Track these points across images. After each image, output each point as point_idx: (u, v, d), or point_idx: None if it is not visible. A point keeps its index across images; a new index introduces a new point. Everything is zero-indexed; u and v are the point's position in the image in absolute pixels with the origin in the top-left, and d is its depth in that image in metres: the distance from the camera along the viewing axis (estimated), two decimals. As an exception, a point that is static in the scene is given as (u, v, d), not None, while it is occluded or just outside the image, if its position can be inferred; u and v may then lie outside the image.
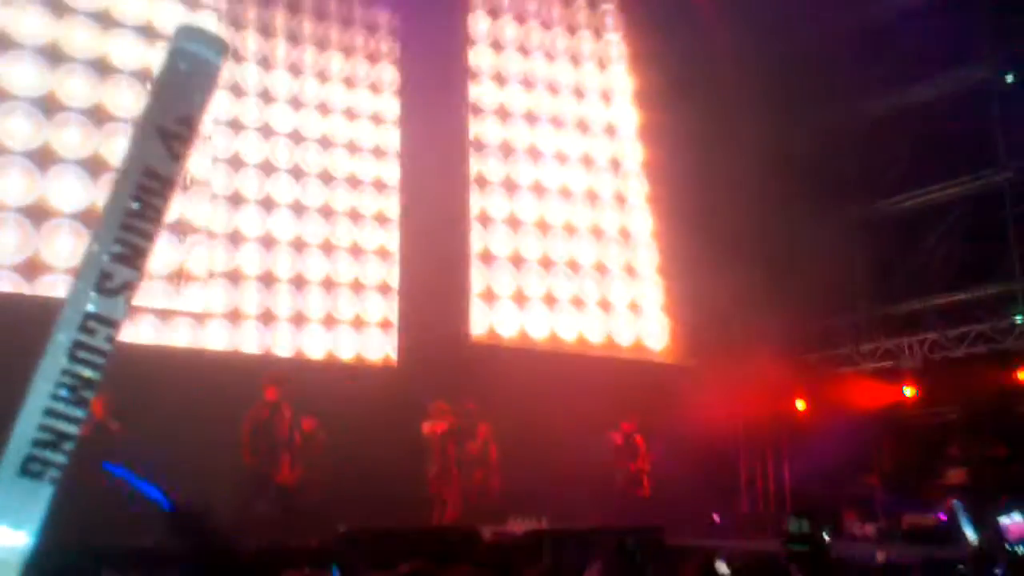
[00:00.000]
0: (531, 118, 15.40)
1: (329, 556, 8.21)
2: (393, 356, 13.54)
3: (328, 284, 13.28)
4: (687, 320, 15.20)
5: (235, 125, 12.96)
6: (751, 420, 15.76)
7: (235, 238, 12.74)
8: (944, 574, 7.68)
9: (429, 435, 11.61)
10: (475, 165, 14.70)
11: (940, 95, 15.02)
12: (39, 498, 1.78)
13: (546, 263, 14.89)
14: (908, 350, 15.10)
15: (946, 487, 13.83)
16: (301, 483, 11.05)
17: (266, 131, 13.21)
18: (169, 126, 1.96)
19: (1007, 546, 8.07)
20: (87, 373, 1.85)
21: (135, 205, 1.92)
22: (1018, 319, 14.85)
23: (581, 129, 15.85)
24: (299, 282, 13.06)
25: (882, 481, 14.72)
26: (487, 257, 14.51)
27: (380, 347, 13.51)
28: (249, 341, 12.58)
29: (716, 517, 14.36)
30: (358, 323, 13.43)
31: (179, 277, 12.03)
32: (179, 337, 12.16)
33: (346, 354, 13.25)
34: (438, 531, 9.84)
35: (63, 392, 1.83)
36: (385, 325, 13.61)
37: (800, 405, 15.72)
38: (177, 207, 11.76)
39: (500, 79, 15.35)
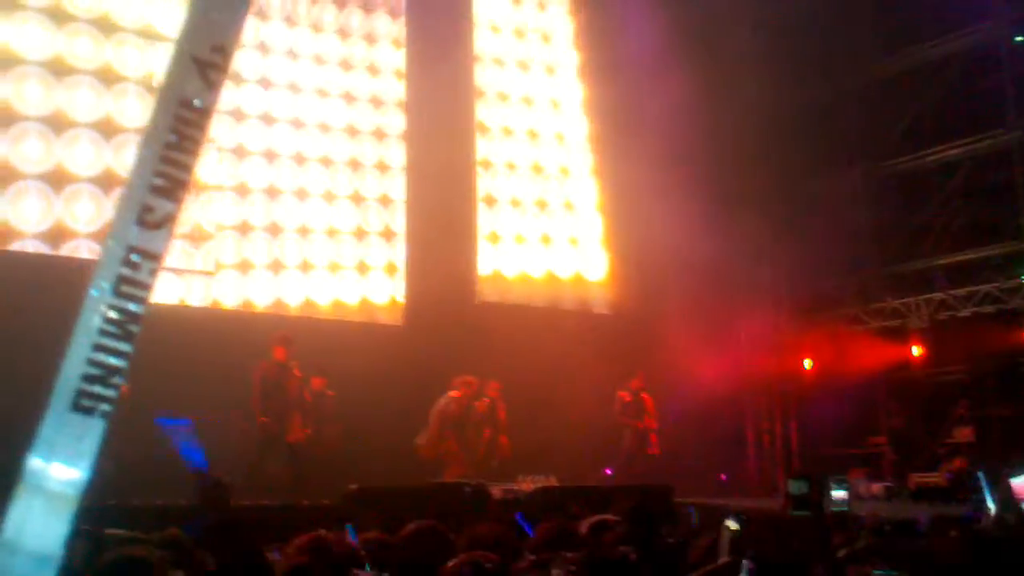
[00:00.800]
0: (524, 66, 15.30)
1: (340, 514, 8.23)
2: (400, 299, 13.54)
3: (331, 233, 13.27)
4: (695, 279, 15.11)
5: (235, 79, 12.86)
6: (758, 380, 15.77)
7: (242, 191, 12.69)
8: (955, 531, 7.67)
9: (444, 405, 11.67)
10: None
11: (949, 55, 14.90)
12: (92, 433, 1.79)
13: (542, 205, 14.90)
14: (915, 309, 15.08)
15: (953, 446, 13.89)
16: (311, 442, 11.10)
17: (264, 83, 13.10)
18: (204, 55, 1.93)
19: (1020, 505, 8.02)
20: (132, 307, 1.85)
21: (173, 137, 1.90)
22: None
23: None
24: (304, 232, 13.06)
25: (890, 440, 14.76)
26: (491, 201, 14.52)
27: (386, 293, 13.53)
28: (259, 294, 12.55)
29: (723, 477, 14.41)
30: (362, 268, 13.43)
31: (197, 236, 12.07)
32: (189, 295, 12.14)
33: (353, 301, 13.25)
34: (447, 489, 9.85)
35: (110, 326, 1.83)
36: (390, 269, 13.64)
37: (807, 364, 15.74)
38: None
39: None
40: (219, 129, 12.47)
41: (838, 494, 7.47)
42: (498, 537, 5.25)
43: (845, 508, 7.44)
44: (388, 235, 13.67)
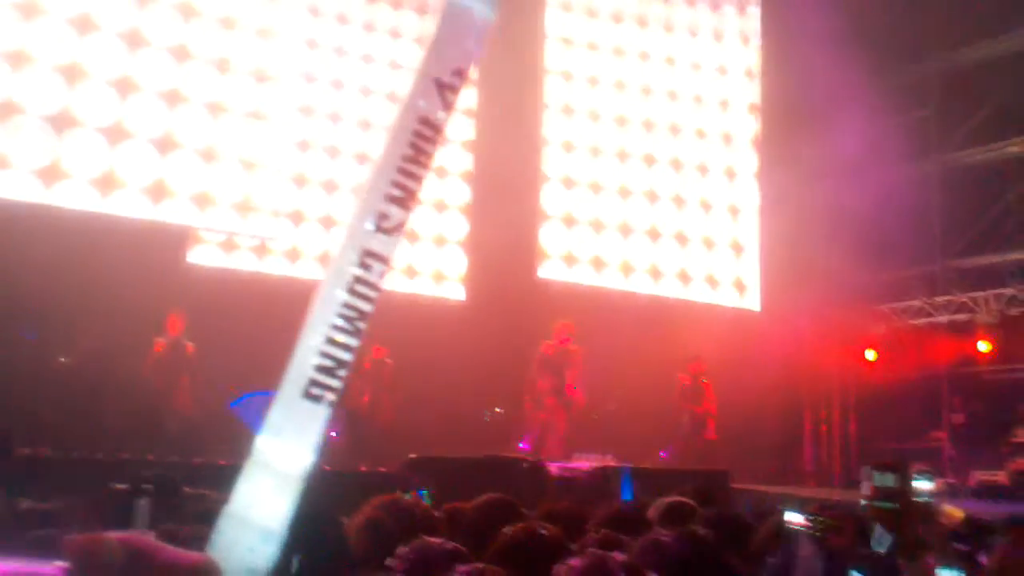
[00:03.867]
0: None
1: (397, 482, 8.25)
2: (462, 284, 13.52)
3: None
4: (767, 265, 14.90)
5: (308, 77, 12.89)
6: (819, 369, 15.54)
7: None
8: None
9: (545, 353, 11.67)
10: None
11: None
12: (318, 419, 1.95)
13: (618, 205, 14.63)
14: (984, 304, 14.75)
15: (1017, 445, 13.59)
16: (370, 409, 11.16)
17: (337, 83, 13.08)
18: (445, 78, 2.09)
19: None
20: (363, 306, 2.02)
21: (410, 151, 2.05)
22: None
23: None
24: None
25: (950, 436, 14.49)
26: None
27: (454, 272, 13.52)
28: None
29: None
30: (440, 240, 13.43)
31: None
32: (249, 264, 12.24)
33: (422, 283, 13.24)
34: (505, 462, 9.84)
35: (342, 323, 2.00)
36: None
37: (871, 356, 15.47)
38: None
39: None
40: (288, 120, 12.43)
41: (922, 486, 7.22)
42: (567, 513, 5.20)
43: (929, 500, 7.23)
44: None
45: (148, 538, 1.62)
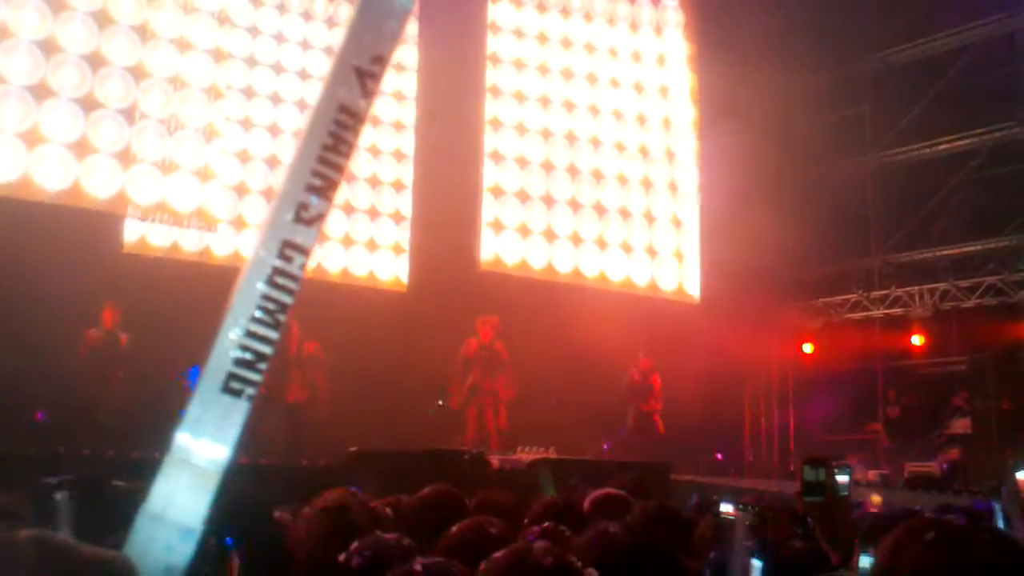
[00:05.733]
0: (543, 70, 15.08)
1: (339, 476, 8.17)
2: (404, 279, 13.39)
3: (347, 209, 13.04)
4: (707, 258, 15.04)
5: (251, 61, 12.70)
6: (756, 362, 15.73)
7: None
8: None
9: (465, 352, 11.60)
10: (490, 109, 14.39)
11: (962, 45, 14.81)
12: (237, 414, 1.92)
13: (549, 200, 14.65)
14: (919, 299, 15.03)
15: (949, 437, 13.89)
16: (308, 403, 11.03)
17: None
18: (364, 65, 2.08)
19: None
20: (283, 298, 2.00)
21: (329, 140, 2.04)
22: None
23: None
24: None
25: (886, 428, 14.76)
26: (499, 192, 14.30)
27: (392, 270, 13.38)
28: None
29: (719, 456, 14.40)
30: (372, 245, 13.26)
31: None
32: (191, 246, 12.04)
33: (360, 272, 13.10)
34: (447, 454, 9.78)
35: (261, 315, 1.98)
36: (397, 250, 13.45)
37: (807, 349, 15.71)
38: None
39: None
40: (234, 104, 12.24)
41: (841, 479, 7.33)
42: (507, 506, 5.17)
43: (846, 493, 7.34)
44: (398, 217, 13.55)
45: (61, 536, 1.57)
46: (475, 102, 14.18)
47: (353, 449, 8.99)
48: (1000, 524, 6.80)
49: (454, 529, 4.10)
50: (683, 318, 14.32)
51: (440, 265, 13.10)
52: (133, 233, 11.65)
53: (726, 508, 6.39)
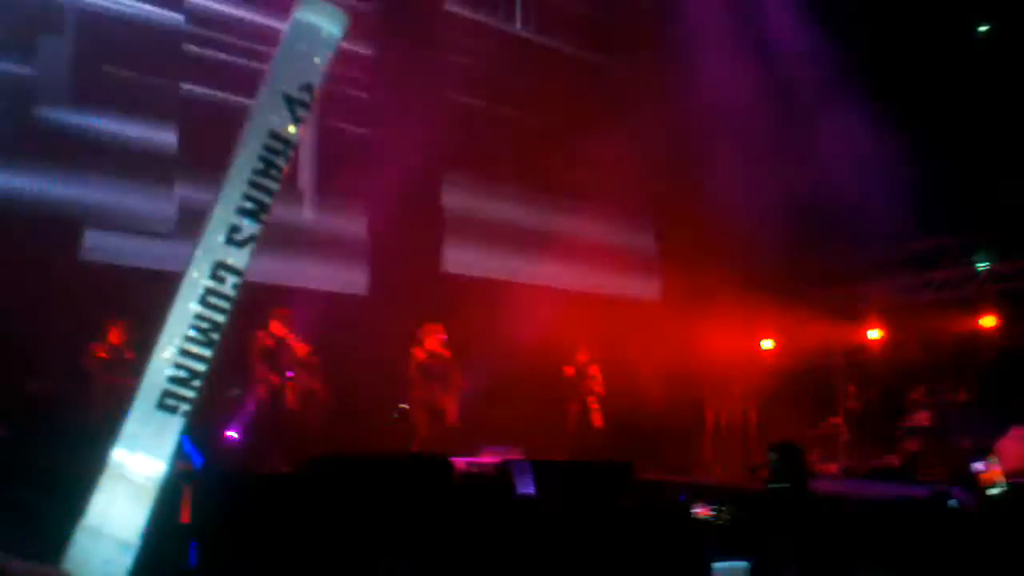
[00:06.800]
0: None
1: (301, 482, 8.11)
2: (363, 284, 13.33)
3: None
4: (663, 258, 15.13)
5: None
6: (717, 358, 15.79)
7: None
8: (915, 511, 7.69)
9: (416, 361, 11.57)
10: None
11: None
12: (173, 430, 1.99)
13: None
14: (875, 293, 15.22)
15: (908, 429, 14.04)
16: (303, 409, 11.03)
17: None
18: (293, 93, 2.17)
19: (983, 491, 8.06)
20: (216, 317, 2.06)
21: (260, 164, 2.12)
22: (980, 266, 15.09)
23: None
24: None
25: (846, 421, 14.89)
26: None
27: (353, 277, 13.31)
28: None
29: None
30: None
31: None
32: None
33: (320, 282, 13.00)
34: (410, 458, 9.72)
35: (195, 333, 2.04)
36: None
37: (766, 344, 15.82)
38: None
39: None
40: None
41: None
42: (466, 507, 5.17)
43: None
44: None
45: None
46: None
47: (314, 455, 8.92)
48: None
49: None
50: (645, 317, 14.36)
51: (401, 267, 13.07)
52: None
53: (696, 508, 6.38)
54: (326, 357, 11.41)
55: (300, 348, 11.07)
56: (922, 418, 13.87)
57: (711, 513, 6.28)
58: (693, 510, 6.43)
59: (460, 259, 14.09)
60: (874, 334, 15.22)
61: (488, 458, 10.16)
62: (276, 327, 10.96)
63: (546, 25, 15.56)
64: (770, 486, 6.99)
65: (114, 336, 10.52)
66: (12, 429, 9.69)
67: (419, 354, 11.57)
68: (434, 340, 11.62)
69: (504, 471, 9.70)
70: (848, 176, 15.36)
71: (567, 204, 15.03)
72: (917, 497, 8.11)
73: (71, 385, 10.08)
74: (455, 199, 14.27)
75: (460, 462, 9.84)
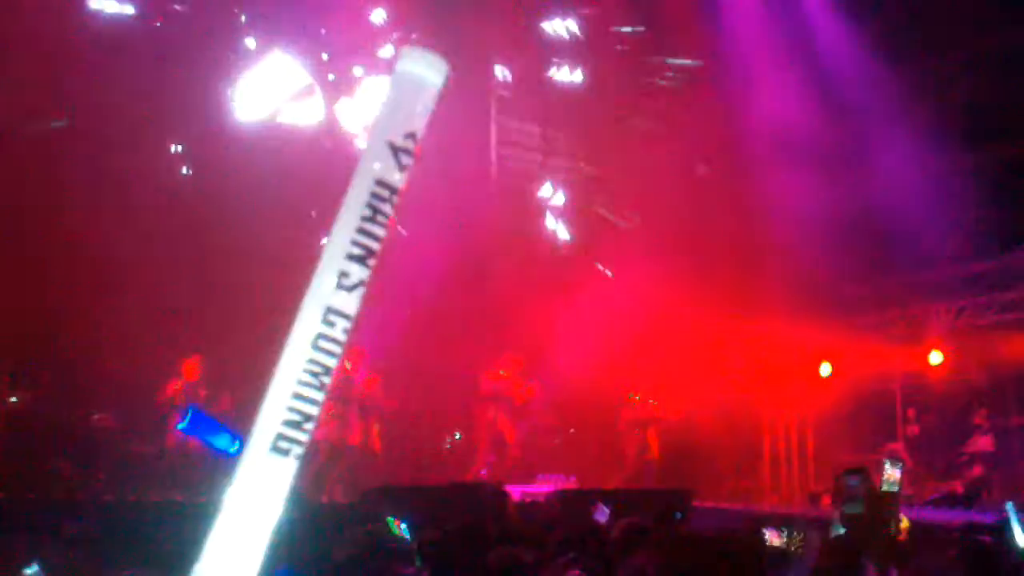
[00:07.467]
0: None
1: (360, 512, 8.22)
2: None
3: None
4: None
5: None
6: (775, 384, 15.67)
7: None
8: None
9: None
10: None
11: (970, 60, 14.82)
12: (286, 472, 2.03)
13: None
14: (936, 316, 15.00)
15: (971, 455, 13.80)
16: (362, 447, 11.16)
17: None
18: (397, 141, 2.22)
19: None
20: (327, 361, 2.10)
21: (368, 211, 2.17)
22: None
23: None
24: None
25: (906, 447, 14.67)
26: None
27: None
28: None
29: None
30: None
31: None
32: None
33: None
34: (467, 488, 9.82)
35: (308, 377, 2.08)
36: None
37: (825, 370, 15.64)
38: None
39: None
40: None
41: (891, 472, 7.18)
42: (529, 535, 5.24)
43: (896, 488, 7.23)
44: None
45: None
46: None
47: (376, 486, 9.05)
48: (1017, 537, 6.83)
49: (491, 557, 4.18)
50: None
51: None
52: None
53: (768, 535, 6.30)
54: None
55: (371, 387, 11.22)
56: (984, 443, 13.64)
57: (780, 540, 6.19)
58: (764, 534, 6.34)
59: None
60: (936, 358, 14.98)
61: (541, 487, 10.22)
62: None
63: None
64: (844, 509, 6.86)
65: (189, 373, 10.73)
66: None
67: (489, 382, 11.73)
68: (507, 369, 11.76)
69: (558, 500, 9.78)
70: (909, 197, 15.25)
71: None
72: (982, 523, 7.99)
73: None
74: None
75: (516, 491, 9.93)
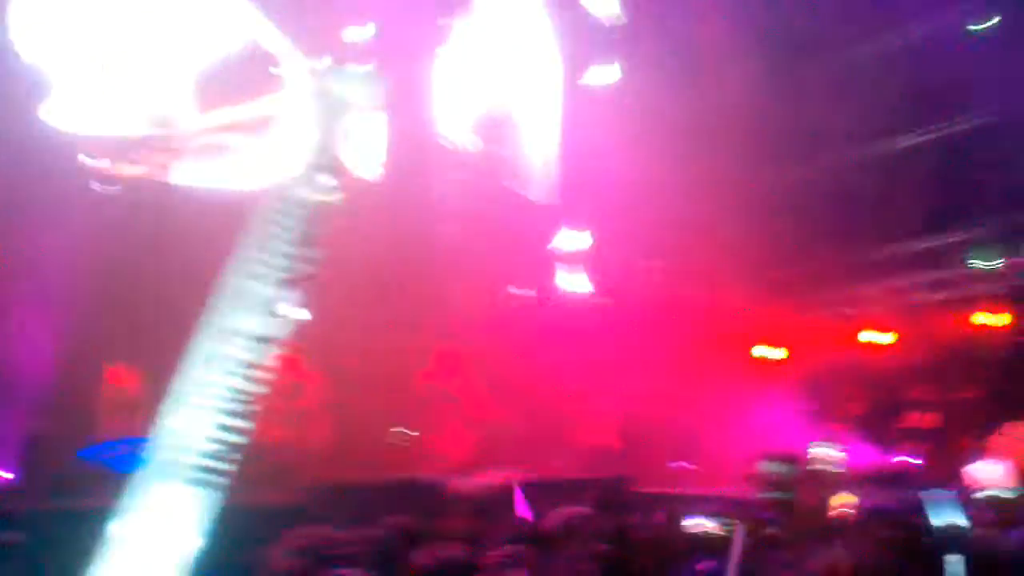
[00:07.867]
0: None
1: (300, 511, 8.15)
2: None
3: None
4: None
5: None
6: (715, 366, 15.72)
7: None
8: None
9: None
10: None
11: (911, 43, 14.88)
12: (206, 502, 2.04)
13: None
14: (876, 296, 15.17)
15: (910, 431, 13.99)
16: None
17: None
18: (319, 161, 2.27)
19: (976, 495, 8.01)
20: (255, 388, 2.10)
21: (296, 236, 2.17)
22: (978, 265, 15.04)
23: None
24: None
25: (848, 427, 14.81)
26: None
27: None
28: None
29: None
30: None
31: None
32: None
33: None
34: (409, 483, 9.75)
35: (233, 405, 2.09)
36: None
37: (768, 352, 15.76)
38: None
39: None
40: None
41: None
42: (466, 531, 5.21)
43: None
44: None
45: None
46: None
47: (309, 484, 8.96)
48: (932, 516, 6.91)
49: (420, 561, 4.15)
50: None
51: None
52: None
53: (695, 521, 6.25)
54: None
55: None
56: (926, 419, 13.82)
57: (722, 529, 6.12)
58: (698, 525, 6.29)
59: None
60: (876, 337, 15.18)
61: (484, 480, 10.16)
62: None
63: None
64: (770, 496, 6.84)
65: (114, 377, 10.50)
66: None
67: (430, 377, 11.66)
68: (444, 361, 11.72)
69: (500, 492, 9.72)
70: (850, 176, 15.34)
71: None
72: (911, 502, 8.02)
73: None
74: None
75: (460, 483, 9.87)
